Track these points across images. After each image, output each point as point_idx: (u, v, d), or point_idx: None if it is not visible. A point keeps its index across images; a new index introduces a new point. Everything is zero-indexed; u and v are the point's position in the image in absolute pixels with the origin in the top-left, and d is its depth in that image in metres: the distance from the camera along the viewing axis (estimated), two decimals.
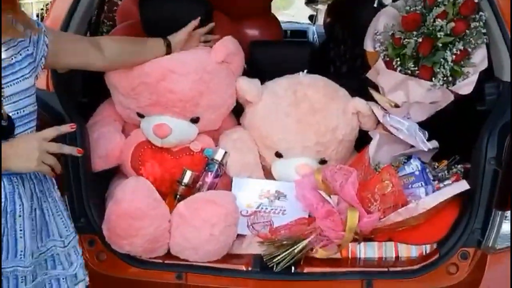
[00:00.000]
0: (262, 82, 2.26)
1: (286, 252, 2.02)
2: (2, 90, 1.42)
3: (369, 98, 2.22)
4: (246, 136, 2.23)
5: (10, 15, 1.46)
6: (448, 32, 2.05)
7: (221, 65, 2.13)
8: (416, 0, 2.12)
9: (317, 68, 2.39)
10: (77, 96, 1.86)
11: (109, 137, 2.14)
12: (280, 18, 3.36)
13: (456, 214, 2.07)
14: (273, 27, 3.16)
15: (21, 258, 1.51)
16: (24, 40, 1.53)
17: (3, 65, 1.45)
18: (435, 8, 2.06)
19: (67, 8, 2.07)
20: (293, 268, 2.02)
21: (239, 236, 2.10)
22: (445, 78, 2.09)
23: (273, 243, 2.07)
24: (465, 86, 2.11)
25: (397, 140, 2.20)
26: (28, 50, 1.54)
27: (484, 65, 2.12)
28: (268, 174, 2.25)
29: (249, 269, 2.02)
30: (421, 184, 2.10)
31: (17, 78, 1.48)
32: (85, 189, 2.03)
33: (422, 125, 2.21)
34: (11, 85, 1.47)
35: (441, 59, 2.08)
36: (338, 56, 2.76)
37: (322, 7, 5.76)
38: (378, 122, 2.23)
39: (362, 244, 2.09)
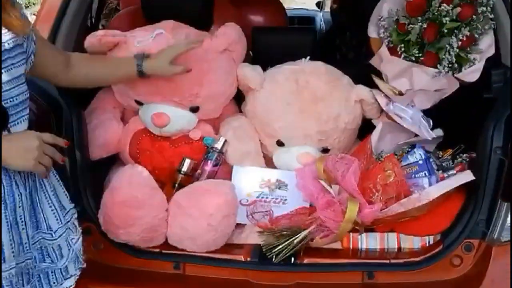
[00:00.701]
0: (264, 69, 2.21)
1: (286, 243, 1.99)
2: None
3: (372, 85, 2.17)
4: (247, 124, 2.19)
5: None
6: (454, 17, 2.01)
7: (222, 53, 2.09)
8: None
9: (322, 55, 2.34)
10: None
11: (107, 125, 2.11)
12: (290, 6, 3.30)
13: (461, 205, 2.02)
14: (278, 13, 3.10)
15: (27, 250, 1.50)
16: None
17: None
18: None
19: None
20: (292, 259, 1.98)
21: (238, 225, 2.07)
22: (450, 65, 2.04)
23: (272, 233, 2.03)
24: (471, 73, 2.06)
25: (400, 128, 2.15)
26: (18, 40, 1.48)
27: (491, 51, 2.07)
28: (269, 163, 2.21)
29: (248, 259, 1.99)
30: (425, 174, 2.05)
31: (8, 66, 1.45)
32: (82, 177, 2.00)
33: (427, 113, 2.16)
34: (1, 73, 1.44)
35: (447, 45, 2.03)
36: (344, 43, 2.70)
37: None
38: (382, 110, 2.18)
39: (363, 235, 2.04)
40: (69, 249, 1.62)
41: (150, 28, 2.09)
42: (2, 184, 1.44)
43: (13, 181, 1.47)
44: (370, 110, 2.18)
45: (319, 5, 6.52)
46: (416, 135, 2.17)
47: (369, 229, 2.05)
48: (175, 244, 1.99)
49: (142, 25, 2.14)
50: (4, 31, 1.43)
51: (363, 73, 2.20)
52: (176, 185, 2.06)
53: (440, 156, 2.15)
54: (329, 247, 2.05)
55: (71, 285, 1.65)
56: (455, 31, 2.03)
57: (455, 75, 2.07)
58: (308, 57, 2.22)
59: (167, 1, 2.20)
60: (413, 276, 1.96)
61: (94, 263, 1.91)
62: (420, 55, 2.06)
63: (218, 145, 2.10)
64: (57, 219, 1.59)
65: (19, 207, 1.49)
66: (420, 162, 2.07)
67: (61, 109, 1.95)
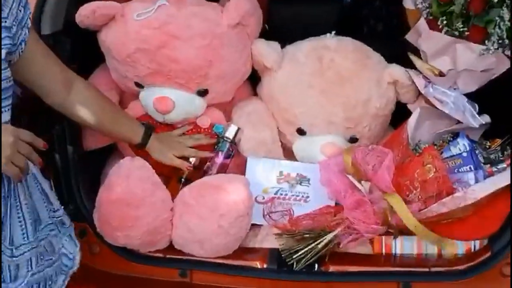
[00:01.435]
0: (283, 45, 1.96)
1: (309, 247, 1.74)
2: None
3: (408, 64, 1.91)
4: (263, 109, 1.94)
5: None
6: None
7: (235, 28, 1.82)
8: None
9: (347, 28, 2.06)
10: (65, 61, 1.57)
11: None
12: None
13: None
14: None
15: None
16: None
17: None
18: None
19: None
20: (316, 266, 1.74)
21: (253, 226, 1.83)
22: (500, 41, 1.78)
23: (293, 235, 1.79)
24: None
25: (441, 114, 1.88)
26: (6, 22, 1.26)
27: None
28: (288, 154, 1.96)
29: (265, 266, 1.75)
30: (470, 168, 1.79)
31: None
32: (74, 171, 1.78)
33: (471, 97, 1.89)
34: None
35: (496, 18, 1.77)
36: (373, 14, 2.43)
37: None
38: (419, 94, 1.91)
39: (398, 238, 1.78)
40: (28, 271, 1.35)
41: None
42: None
43: None
44: (405, 93, 1.91)
45: None
46: (459, 122, 1.89)
47: (405, 232, 1.78)
48: (181, 248, 1.76)
49: None
50: None
51: (398, 50, 1.94)
52: (183, 180, 1.83)
53: (487, 147, 1.87)
54: (358, 252, 1.80)
55: None
56: (507, 1, 1.76)
57: (505, 52, 1.80)
58: (334, 32, 1.95)
59: None
60: (457, 287, 1.71)
61: (88, 269, 1.72)
62: (465, 29, 1.79)
63: (230, 134, 1.86)
64: (23, 235, 1.33)
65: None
66: (465, 154, 1.81)
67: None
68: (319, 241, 1.75)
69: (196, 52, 1.76)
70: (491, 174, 1.78)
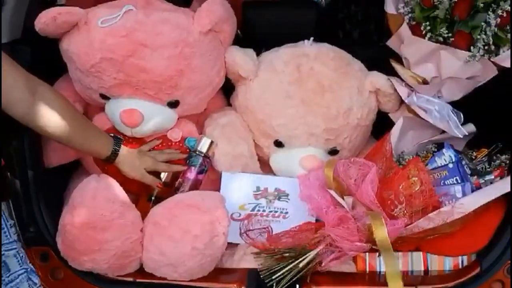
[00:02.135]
0: (258, 53, 1.86)
1: (289, 267, 1.64)
2: None
3: (390, 72, 1.82)
4: (238, 120, 1.84)
5: None
6: None
7: (207, 35, 1.71)
8: None
9: (324, 34, 1.97)
10: None
11: None
12: None
13: (501, 218, 1.68)
14: None
15: None
16: None
17: None
18: None
19: None
20: (297, 286, 1.63)
21: (230, 245, 1.71)
22: (486, 47, 1.71)
23: (272, 254, 1.68)
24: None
25: (425, 124, 1.81)
26: None
27: None
28: (265, 168, 1.86)
29: None
30: (456, 180, 1.71)
31: None
32: (35, 191, 1.65)
33: (456, 105, 1.81)
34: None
35: (482, 23, 1.71)
36: (348, 19, 2.34)
37: None
38: (402, 102, 1.83)
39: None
40: None
41: (117, 4, 1.70)
42: None
43: None
44: (387, 102, 1.84)
45: None
46: (443, 132, 1.81)
47: None
48: (153, 272, 1.64)
49: (108, 0, 1.75)
50: None
51: (379, 57, 1.85)
52: (153, 198, 1.71)
53: (473, 157, 1.79)
54: (341, 271, 1.70)
55: None
56: (493, 5, 1.70)
57: (491, 59, 1.72)
58: (312, 38, 1.86)
59: None
60: None
61: None
62: (450, 35, 1.72)
63: (203, 148, 1.75)
64: None
65: None
66: (450, 165, 1.72)
67: None
68: (300, 260, 1.65)
69: (166, 61, 1.65)
70: (478, 187, 1.70)
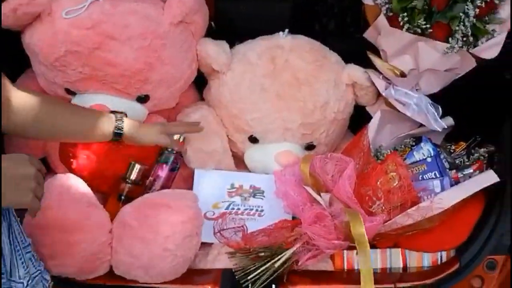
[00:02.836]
0: (232, 45, 1.80)
1: (265, 266, 1.58)
2: None
3: (367, 65, 1.78)
4: (211, 115, 1.77)
5: None
6: None
7: (178, 26, 1.65)
8: None
9: (300, 26, 1.92)
10: None
11: None
12: None
13: (480, 213, 1.65)
14: None
15: None
16: None
17: None
18: None
19: None
20: (273, 286, 1.58)
21: (203, 245, 1.66)
22: (465, 39, 1.67)
23: (247, 254, 1.63)
24: (490, 48, 1.68)
25: (402, 117, 1.77)
26: None
27: None
28: (239, 164, 1.80)
29: None
30: (435, 174, 1.68)
31: None
32: None
33: (434, 98, 1.77)
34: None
35: (461, 14, 1.66)
36: (325, 11, 2.29)
37: None
38: (379, 95, 1.79)
39: None
40: None
41: None
42: None
43: None
44: (364, 95, 1.79)
45: None
46: (421, 125, 1.77)
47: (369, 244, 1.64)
48: (123, 275, 1.57)
49: None
50: None
51: (356, 50, 1.79)
52: (123, 197, 1.64)
53: (452, 151, 1.75)
54: (318, 269, 1.65)
55: None
56: None
57: (470, 50, 1.68)
58: (287, 30, 1.80)
59: None
60: None
61: None
62: (428, 26, 1.67)
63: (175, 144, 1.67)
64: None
65: None
66: (429, 159, 1.69)
67: None
68: (276, 259, 1.59)
69: (135, 54, 1.59)
70: (457, 181, 1.67)
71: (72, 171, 1.62)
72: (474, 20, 1.65)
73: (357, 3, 1.81)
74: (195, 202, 1.58)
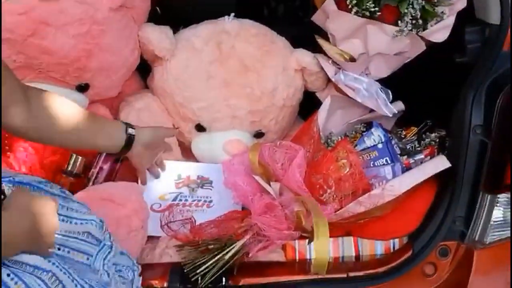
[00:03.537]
0: (176, 30, 1.73)
1: (215, 259, 1.53)
2: None
3: (316, 49, 1.73)
4: (156, 104, 1.71)
5: None
6: None
7: (118, 11, 1.57)
8: None
9: (247, 11, 1.86)
10: None
11: None
12: None
13: (432, 199, 1.63)
14: None
15: None
16: None
17: None
18: None
19: None
20: (224, 279, 1.53)
21: (150, 239, 1.61)
22: (414, 21, 1.64)
23: (196, 247, 1.57)
24: (439, 31, 1.66)
25: (352, 103, 1.74)
26: None
27: (463, 3, 1.66)
28: (187, 154, 1.75)
29: (165, 285, 1.52)
30: (386, 160, 1.64)
31: None
32: None
33: (384, 82, 1.74)
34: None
35: None
36: None
37: None
38: (329, 81, 1.75)
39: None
40: None
41: None
42: None
43: None
44: (314, 81, 1.75)
45: None
46: (372, 111, 1.74)
47: None
48: None
49: None
50: None
51: (305, 34, 1.74)
52: None
53: (403, 136, 1.73)
54: (270, 260, 1.61)
55: None
56: None
57: (420, 34, 1.66)
58: (233, 14, 1.74)
59: None
60: None
61: None
62: (377, 9, 1.64)
63: None
64: None
65: None
66: (380, 145, 1.65)
67: None
68: (226, 251, 1.54)
69: (72, 41, 1.50)
70: (408, 167, 1.64)
71: (9, 164, 1.53)
72: (423, 2, 1.63)
73: None
74: (140, 194, 1.53)
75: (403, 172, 1.61)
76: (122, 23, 1.59)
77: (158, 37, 1.65)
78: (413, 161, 1.66)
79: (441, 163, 1.57)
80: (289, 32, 1.82)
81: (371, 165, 1.64)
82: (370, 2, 1.63)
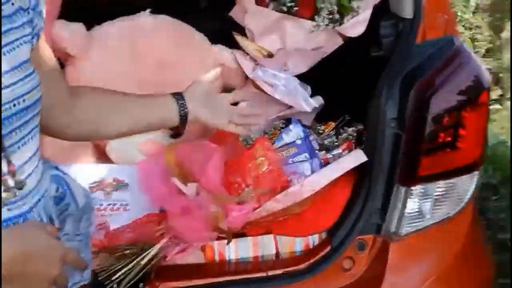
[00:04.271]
0: (89, 27, 1.68)
1: (131, 265, 1.50)
2: None
3: (234, 45, 1.72)
4: None
5: None
6: None
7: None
8: None
9: (167, 6, 1.82)
10: None
11: None
12: None
13: (349, 193, 1.63)
14: None
15: None
16: None
17: None
18: None
19: None
20: (141, 285, 1.50)
21: None
22: (330, 16, 1.67)
23: (111, 253, 1.53)
24: (355, 26, 1.69)
25: (271, 99, 1.72)
26: (20, 1, 0.93)
27: None
28: (102, 156, 1.71)
29: None
30: (305, 156, 1.64)
31: (13, 42, 0.89)
32: None
33: (303, 78, 1.74)
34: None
35: None
36: None
37: None
38: (247, 77, 1.74)
39: (232, 241, 1.59)
40: None
41: None
42: None
43: None
44: (232, 77, 1.74)
45: None
46: (291, 107, 1.74)
47: (239, 233, 1.60)
48: None
49: None
50: None
51: (222, 29, 1.73)
52: None
53: (321, 131, 1.73)
54: (189, 262, 1.59)
55: None
56: None
57: (336, 28, 1.66)
58: (149, 10, 1.69)
59: None
60: None
61: None
62: (293, 4, 1.66)
63: None
64: None
65: None
66: (299, 141, 1.66)
67: None
68: (142, 256, 1.51)
69: None
70: (326, 162, 1.65)
71: None
72: None
73: None
74: None
75: (321, 167, 1.62)
76: None
77: (70, 35, 1.60)
78: (331, 156, 1.67)
79: (357, 157, 1.58)
80: (209, 27, 1.79)
81: (290, 161, 1.64)
82: None
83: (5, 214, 0.91)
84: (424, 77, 1.50)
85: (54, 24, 1.61)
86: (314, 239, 1.64)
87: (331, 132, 1.73)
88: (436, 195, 1.54)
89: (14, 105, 0.88)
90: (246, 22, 1.70)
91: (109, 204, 1.61)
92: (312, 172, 1.61)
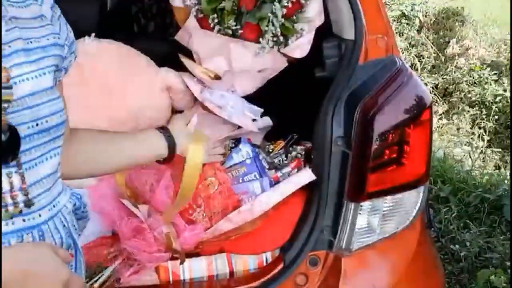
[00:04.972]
0: None
1: None
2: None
3: (182, 68, 1.72)
4: None
5: None
6: None
7: None
8: None
9: (114, 28, 1.82)
10: None
11: None
12: None
13: (300, 210, 1.65)
14: None
15: None
16: (51, 24, 1.02)
17: (15, 47, 0.94)
18: None
19: None
20: None
21: None
22: (275, 38, 1.68)
23: None
24: (299, 48, 1.71)
25: (220, 120, 1.74)
26: (59, 38, 1.03)
27: (321, 19, 1.72)
28: None
29: None
30: (255, 176, 1.67)
31: (39, 70, 0.96)
32: None
33: (251, 98, 1.77)
34: (28, 79, 0.93)
35: (269, 14, 1.66)
36: (143, 12, 2.21)
37: None
38: (196, 99, 1.74)
39: (186, 261, 1.59)
40: None
41: None
42: None
43: None
44: (180, 100, 1.75)
45: None
46: (240, 127, 1.76)
47: (193, 253, 1.60)
48: None
49: None
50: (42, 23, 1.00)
51: (170, 52, 1.74)
52: None
53: (271, 150, 1.76)
54: (143, 284, 1.58)
55: None
56: None
57: (281, 50, 1.70)
58: (93, 34, 1.69)
59: None
60: None
61: None
62: (238, 27, 1.66)
63: None
64: None
65: None
66: (248, 161, 1.68)
67: None
68: (95, 279, 1.50)
69: None
70: (276, 180, 1.67)
71: None
72: (283, 20, 1.66)
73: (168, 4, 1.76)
74: None
75: (271, 186, 1.64)
76: None
77: None
78: (281, 174, 1.69)
79: (306, 175, 1.61)
80: (155, 50, 1.80)
81: (240, 181, 1.66)
82: (232, 21, 1.65)
83: (20, 224, 0.92)
84: (368, 96, 1.53)
85: None
86: (267, 257, 1.66)
87: (281, 150, 1.76)
88: (384, 211, 1.58)
89: (37, 124, 0.93)
90: (192, 45, 1.70)
91: None
92: (263, 191, 1.62)
